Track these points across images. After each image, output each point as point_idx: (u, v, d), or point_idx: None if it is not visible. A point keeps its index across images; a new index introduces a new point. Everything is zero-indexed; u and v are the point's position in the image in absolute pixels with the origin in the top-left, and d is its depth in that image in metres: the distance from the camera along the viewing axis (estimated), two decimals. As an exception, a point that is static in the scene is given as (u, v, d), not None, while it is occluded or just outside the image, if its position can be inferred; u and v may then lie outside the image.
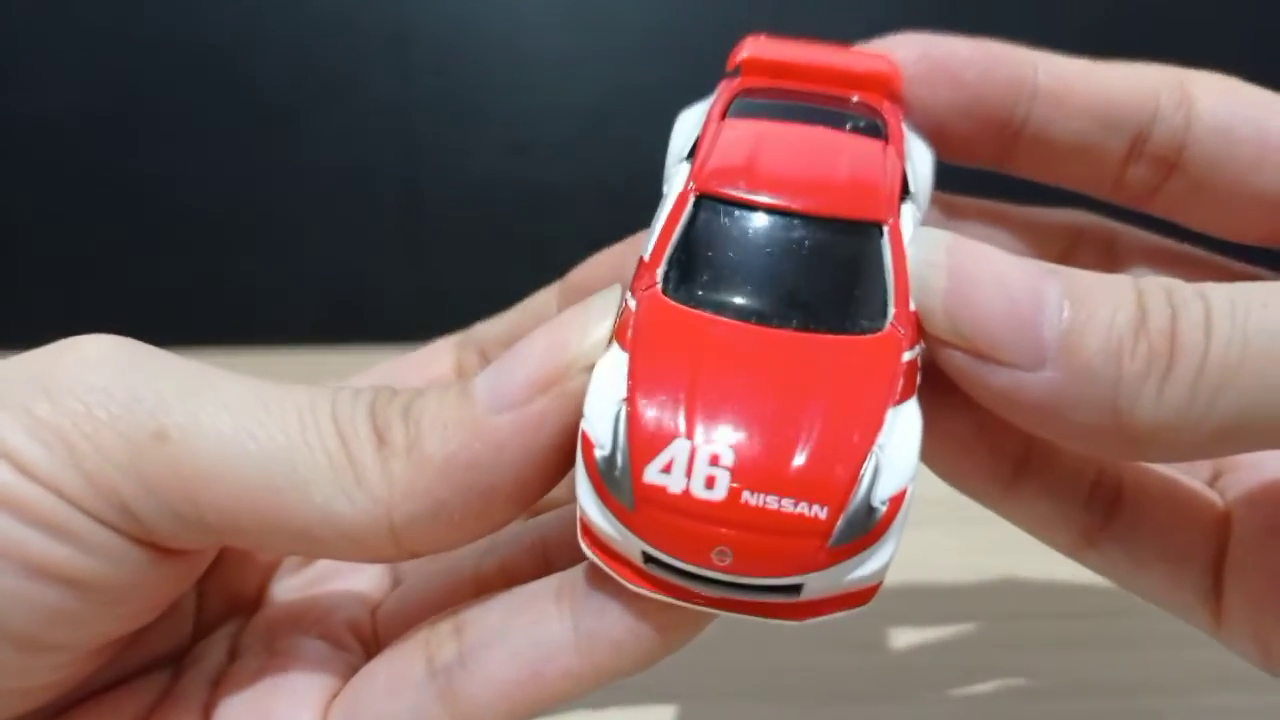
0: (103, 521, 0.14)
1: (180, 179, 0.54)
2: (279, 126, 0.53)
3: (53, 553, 0.14)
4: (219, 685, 0.18)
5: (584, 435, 0.14)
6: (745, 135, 0.17)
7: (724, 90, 0.18)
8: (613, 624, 0.15)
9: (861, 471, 0.14)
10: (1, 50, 0.51)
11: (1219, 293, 0.14)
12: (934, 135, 0.19)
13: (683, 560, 0.14)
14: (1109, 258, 0.21)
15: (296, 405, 0.15)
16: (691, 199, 0.16)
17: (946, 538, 0.27)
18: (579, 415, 0.15)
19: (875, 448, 0.14)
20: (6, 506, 0.14)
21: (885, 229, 0.15)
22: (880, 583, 0.14)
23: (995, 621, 0.29)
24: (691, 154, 0.17)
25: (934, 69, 0.19)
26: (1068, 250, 0.22)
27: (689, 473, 0.13)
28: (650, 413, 0.14)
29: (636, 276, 0.15)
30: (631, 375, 0.14)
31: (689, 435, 0.14)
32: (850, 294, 0.15)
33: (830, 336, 0.15)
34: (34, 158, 0.53)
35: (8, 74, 0.51)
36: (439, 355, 0.23)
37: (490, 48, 0.53)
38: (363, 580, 0.21)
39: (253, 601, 0.21)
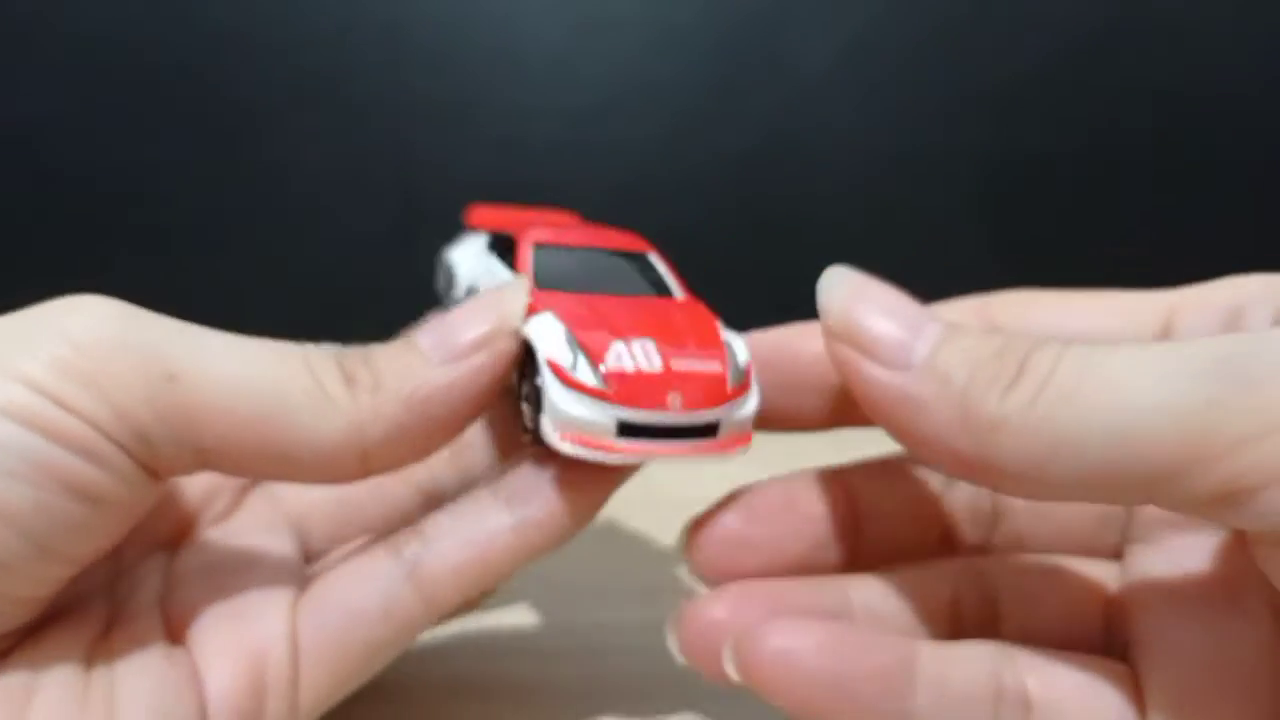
0: (123, 447, 0.18)
1: (170, 179, 0.54)
2: (272, 125, 0.53)
3: (86, 473, 0.17)
4: (173, 602, 0.21)
5: (550, 362, 0.20)
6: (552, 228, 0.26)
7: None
8: (538, 508, 0.21)
9: (726, 345, 0.21)
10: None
11: (1078, 345, 0.17)
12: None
13: (651, 410, 0.20)
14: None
15: (273, 353, 0.19)
16: (532, 246, 0.24)
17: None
18: (504, 365, 0.20)
19: (724, 338, 0.22)
20: (50, 435, 0.17)
21: (652, 255, 0.25)
22: (752, 431, 0.21)
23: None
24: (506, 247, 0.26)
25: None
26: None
27: (631, 357, 0.20)
28: (590, 332, 0.21)
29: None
30: (563, 319, 0.21)
31: (620, 337, 0.21)
32: (650, 282, 0.24)
33: (654, 297, 0.23)
34: (22, 160, 0.52)
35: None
36: None
37: (483, 46, 0.53)
38: (284, 538, 0.24)
39: (168, 541, 0.23)
